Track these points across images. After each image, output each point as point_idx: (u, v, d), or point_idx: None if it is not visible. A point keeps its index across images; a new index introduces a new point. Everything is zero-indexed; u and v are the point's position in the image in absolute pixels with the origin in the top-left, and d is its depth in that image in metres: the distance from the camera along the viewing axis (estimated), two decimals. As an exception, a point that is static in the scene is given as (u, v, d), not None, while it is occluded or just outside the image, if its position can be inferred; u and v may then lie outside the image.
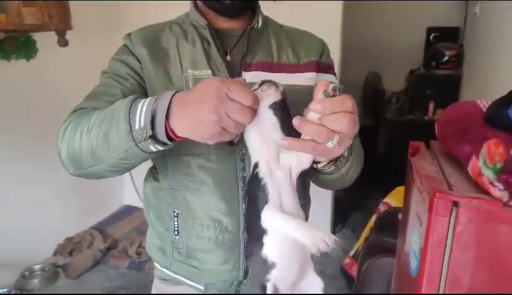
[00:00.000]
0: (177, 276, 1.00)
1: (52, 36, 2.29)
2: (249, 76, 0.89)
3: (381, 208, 2.39)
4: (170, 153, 0.91)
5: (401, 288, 1.19)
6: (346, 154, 0.79)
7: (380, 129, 4.30)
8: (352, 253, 2.68)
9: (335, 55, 2.63)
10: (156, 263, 1.06)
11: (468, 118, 1.06)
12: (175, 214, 0.93)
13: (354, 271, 2.41)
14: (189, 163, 0.89)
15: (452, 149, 1.07)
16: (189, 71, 0.88)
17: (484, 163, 0.85)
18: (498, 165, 0.82)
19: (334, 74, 1.03)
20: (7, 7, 1.91)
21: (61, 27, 2.23)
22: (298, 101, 0.94)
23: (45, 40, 2.48)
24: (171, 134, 0.67)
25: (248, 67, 0.91)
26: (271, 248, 0.69)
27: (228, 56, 0.91)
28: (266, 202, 0.69)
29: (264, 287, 0.73)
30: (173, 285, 1.02)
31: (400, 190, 2.33)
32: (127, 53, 0.90)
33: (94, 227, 3.22)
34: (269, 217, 0.68)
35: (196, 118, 0.63)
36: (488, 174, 0.83)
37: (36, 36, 2.53)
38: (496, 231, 0.83)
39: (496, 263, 0.86)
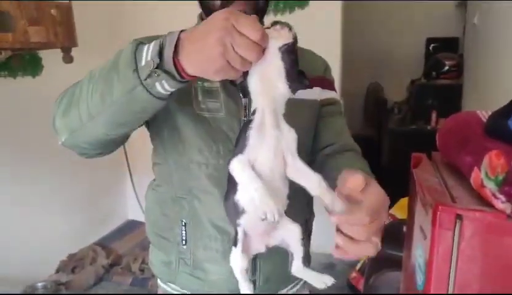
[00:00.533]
0: (182, 290, 1.00)
1: (57, 53, 2.32)
2: None
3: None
4: (177, 162, 0.92)
5: (407, 302, 1.18)
6: None
7: (382, 140, 4.29)
8: (358, 267, 2.66)
9: (336, 65, 2.66)
10: (159, 282, 1.06)
11: (468, 129, 1.06)
12: (183, 223, 0.94)
13: (360, 285, 2.39)
14: (198, 172, 0.90)
15: (454, 160, 1.06)
16: (199, 82, 0.89)
17: (485, 175, 0.84)
18: (500, 177, 0.81)
19: (335, 90, 1.06)
20: (14, 26, 1.94)
21: (67, 44, 2.26)
22: (302, 115, 0.97)
23: (50, 57, 2.52)
24: (180, 71, 0.64)
25: None
26: (241, 195, 0.69)
27: None
28: (241, 152, 0.67)
29: (236, 233, 0.74)
30: None
31: (404, 201, 2.31)
32: None
33: (97, 243, 3.21)
34: (235, 169, 0.67)
35: (201, 51, 0.60)
36: (490, 186, 0.83)
37: (42, 53, 2.56)
38: (501, 243, 0.83)
39: (502, 275, 0.85)
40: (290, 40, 0.66)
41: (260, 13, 0.93)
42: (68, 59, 2.30)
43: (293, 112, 0.95)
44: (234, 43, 0.58)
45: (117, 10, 3.10)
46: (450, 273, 0.85)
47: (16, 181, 2.55)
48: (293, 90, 0.69)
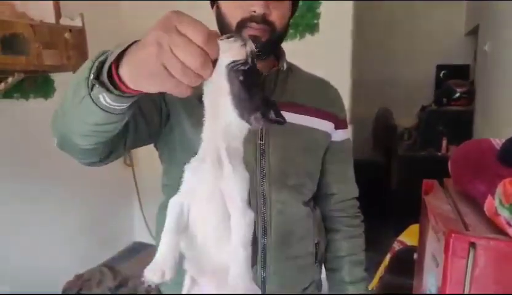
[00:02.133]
0: None
1: (70, 76, 2.36)
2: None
3: (396, 246, 2.34)
4: None
5: (419, 332, 1.15)
6: None
7: (392, 166, 4.26)
8: (367, 293, 2.60)
9: (346, 91, 2.67)
10: None
11: (481, 157, 1.05)
12: None
13: (369, 313, 2.33)
14: None
15: (466, 188, 1.05)
16: None
17: (500, 203, 0.83)
18: (515, 205, 0.80)
19: (347, 127, 1.11)
20: (28, 49, 1.99)
21: (79, 67, 2.31)
22: (315, 143, 1.01)
23: (62, 79, 2.57)
24: (119, 84, 0.56)
25: None
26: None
27: None
28: (178, 190, 0.60)
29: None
30: None
31: (415, 228, 2.27)
32: None
33: (104, 264, 3.19)
34: (167, 211, 0.60)
35: (135, 54, 0.52)
36: (504, 214, 0.81)
37: (54, 76, 2.62)
38: (516, 273, 0.81)
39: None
40: (240, 57, 0.55)
41: (277, 40, 0.94)
42: (80, 82, 2.34)
43: (304, 137, 0.97)
44: (171, 43, 0.49)
45: (129, 33, 3.17)
46: (463, 302, 0.83)
47: (25, 201, 2.56)
48: (250, 121, 0.57)
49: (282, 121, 0.58)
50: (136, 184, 3.47)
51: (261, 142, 0.93)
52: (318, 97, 1.03)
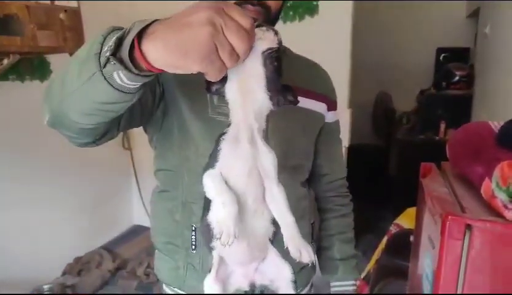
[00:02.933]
0: None
1: (66, 57, 2.34)
2: None
3: (393, 229, 2.36)
4: (188, 167, 0.92)
5: (414, 313, 1.16)
6: None
7: (391, 150, 4.27)
8: (363, 275, 2.63)
9: (345, 75, 2.65)
10: (164, 287, 1.05)
11: (479, 139, 1.04)
12: (193, 229, 0.93)
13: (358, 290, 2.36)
14: None
15: (464, 171, 1.05)
16: None
17: (497, 185, 0.83)
18: (512, 187, 0.80)
19: (336, 108, 1.13)
20: (22, 29, 1.96)
21: (75, 49, 2.27)
22: (312, 124, 1.01)
23: (59, 61, 2.53)
24: (141, 62, 0.54)
25: None
26: (213, 214, 0.62)
27: None
28: (212, 166, 0.62)
29: (210, 256, 0.70)
30: None
31: (411, 211, 2.29)
32: None
33: (103, 247, 3.21)
34: (206, 184, 0.62)
35: (183, 31, 0.51)
36: (501, 197, 0.82)
37: (50, 58, 2.59)
38: (511, 254, 0.81)
39: (511, 286, 0.83)
40: (275, 45, 0.59)
41: (271, 22, 0.93)
42: (77, 64, 2.32)
43: (302, 118, 0.97)
44: (224, 25, 0.51)
45: (126, 14, 3.12)
46: (458, 283, 0.84)
47: (23, 185, 2.56)
48: (276, 103, 0.63)
49: (297, 102, 0.64)
50: (135, 168, 3.47)
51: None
52: (311, 79, 1.04)
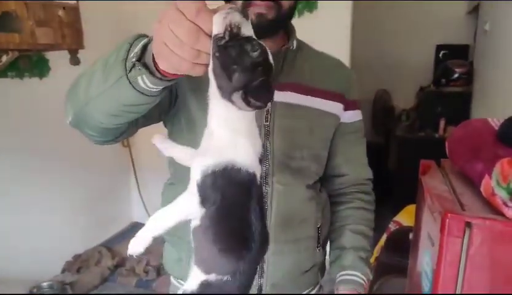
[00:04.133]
0: None
1: (64, 55, 2.33)
2: (281, 96, 0.90)
3: (392, 226, 2.36)
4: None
5: (413, 310, 1.16)
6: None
7: (390, 147, 4.27)
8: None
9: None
10: (171, 278, 1.06)
11: (479, 136, 1.04)
12: None
13: (364, 291, 2.36)
14: None
15: (464, 168, 1.05)
16: None
17: (497, 183, 0.83)
18: (512, 185, 0.80)
19: (359, 108, 1.07)
20: (21, 26, 1.95)
21: (74, 46, 2.27)
22: (323, 125, 0.98)
23: (57, 58, 2.53)
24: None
25: (281, 87, 0.91)
26: None
27: None
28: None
29: None
30: None
31: (411, 208, 2.29)
32: None
33: (102, 244, 3.21)
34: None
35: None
36: (501, 194, 0.81)
37: (49, 55, 2.58)
38: (511, 252, 0.81)
39: (511, 284, 0.83)
40: (221, 30, 0.51)
41: (284, 18, 0.90)
42: (75, 61, 2.31)
43: (312, 118, 0.95)
44: (168, 19, 0.50)
45: (125, 11, 3.11)
46: (457, 280, 0.84)
47: (23, 182, 2.56)
48: (232, 101, 0.53)
49: (261, 106, 0.54)
50: (134, 165, 3.47)
51: (266, 124, 0.92)
52: (327, 77, 1.00)
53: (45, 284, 2.78)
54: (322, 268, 1.10)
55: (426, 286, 0.94)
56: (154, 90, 0.62)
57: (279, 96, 0.90)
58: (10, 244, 2.52)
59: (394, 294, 1.64)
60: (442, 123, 3.58)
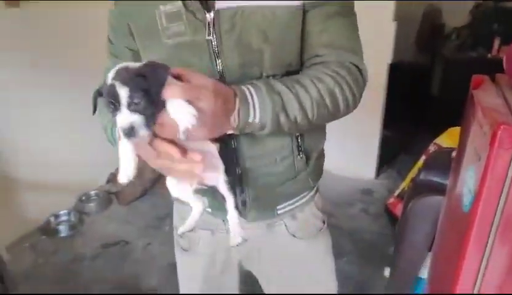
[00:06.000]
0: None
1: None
2: (222, 5, 0.78)
3: (432, 148, 2.30)
4: None
5: (450, 225, 1.15)
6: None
7: (435, 69, 4.03)
8: (397, 192, 2.64)
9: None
10: None
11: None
12: None
13: (398, 211, 2.38)
14: None
15: (522, 81, 0.97)
16: (161, 7, 0.80)
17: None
18: None
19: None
20: None
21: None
22: (273, 27, 0.81)
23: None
24: None
25: None
26: None
27: None
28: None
29: None
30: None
31: (453, 131, 2.21)
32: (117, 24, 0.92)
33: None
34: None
35: None
36: None
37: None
38: None
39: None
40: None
41: None
42: None
43: (260, 23, 0.80)
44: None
45: None
46: (501, 195, 0.81)
47: (72, 100, 2.63)
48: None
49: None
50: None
51: (210, 39, 0.79)
52: None
53: (92, 192, 3.00)
54: (313, 173, 1.00)
55: (467, 200, 0.92)
56: None
57: (220, 5, 0.78)
58: (61, 157, 2.70)
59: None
60: (496, 42, 3.30)
